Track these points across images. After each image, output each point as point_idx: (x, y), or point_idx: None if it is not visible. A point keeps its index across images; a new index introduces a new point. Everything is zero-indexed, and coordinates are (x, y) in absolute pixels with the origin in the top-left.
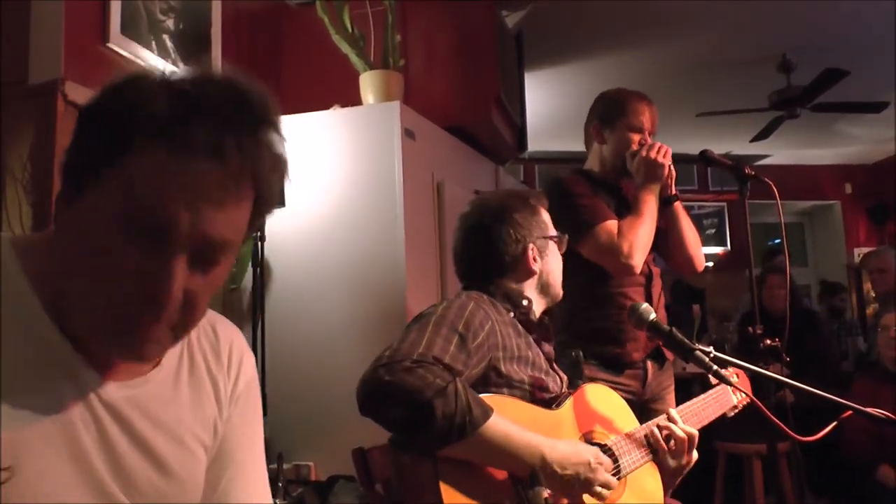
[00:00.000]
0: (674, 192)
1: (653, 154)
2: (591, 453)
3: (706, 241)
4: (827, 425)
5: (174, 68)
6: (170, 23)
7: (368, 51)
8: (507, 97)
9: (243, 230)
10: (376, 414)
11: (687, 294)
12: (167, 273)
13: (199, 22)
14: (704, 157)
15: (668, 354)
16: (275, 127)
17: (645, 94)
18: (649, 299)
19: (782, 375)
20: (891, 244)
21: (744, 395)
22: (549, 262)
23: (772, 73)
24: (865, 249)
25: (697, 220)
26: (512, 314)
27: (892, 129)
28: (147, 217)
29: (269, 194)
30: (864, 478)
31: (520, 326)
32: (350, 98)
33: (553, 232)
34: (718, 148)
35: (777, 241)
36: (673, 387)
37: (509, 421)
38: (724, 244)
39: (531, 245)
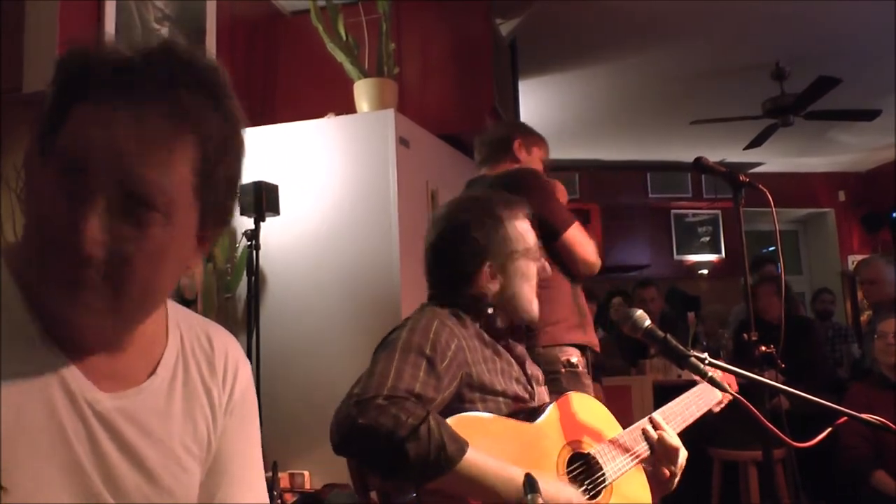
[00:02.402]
0: None
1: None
2: (574, 494)
3: (701, 249)
4: (822, 432)
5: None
6: (164, 31)
7: (363, 59)
8: (502, 105)
9: (179, 176)
10: (351, 455)
11: (682, 301)
12: (82, 210)
13: (194, 30)
14: (699, 165)
15: None
16: (199, 70)
17: None
18: None
19: (777, 382)
20: (884, 252)
21: (736, 397)
22: (513, 280)
23: (765, 81)
24: (859, 257)
25: (692, 228)
26: (477, 324)
27: (885, 137)
28: (65, 158)
29: (210, 137)
30: (859, 484)
31: (486, 336)
32: (344, 106)
33: (521, 245)
34: (712, 156)
35: (771, 248)
36: None
37: (485, 453)
38: (719, 252)
39: (488, 263)
